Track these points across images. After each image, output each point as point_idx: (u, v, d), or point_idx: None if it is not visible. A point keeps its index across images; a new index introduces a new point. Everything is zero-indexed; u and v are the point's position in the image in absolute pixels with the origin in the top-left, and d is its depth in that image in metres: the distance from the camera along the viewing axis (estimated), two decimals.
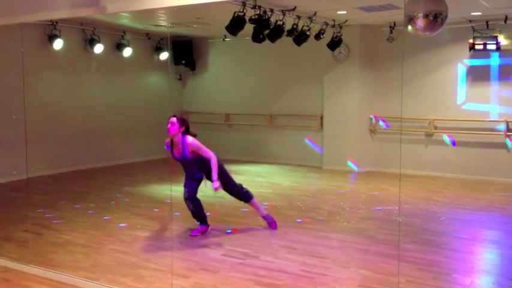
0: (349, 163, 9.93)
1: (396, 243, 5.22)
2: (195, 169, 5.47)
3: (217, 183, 5.15)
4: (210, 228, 5.63)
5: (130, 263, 4.70)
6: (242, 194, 5.72)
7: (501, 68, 8.90)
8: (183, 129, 5.34)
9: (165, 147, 5.56)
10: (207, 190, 5.51)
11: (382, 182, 8.85)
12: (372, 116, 10.01)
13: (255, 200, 5.81)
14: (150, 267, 4.57)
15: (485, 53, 8.85)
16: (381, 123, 9.91)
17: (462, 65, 9.21)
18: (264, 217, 5.82)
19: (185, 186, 5.54)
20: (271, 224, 5.78)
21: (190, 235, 5.51)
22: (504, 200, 7.51)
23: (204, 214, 5.64)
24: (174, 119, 5.32)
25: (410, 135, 9.77)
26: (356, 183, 8.83)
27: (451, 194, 7.92)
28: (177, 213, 6.17)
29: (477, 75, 9.13)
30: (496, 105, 8.99)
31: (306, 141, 10.24)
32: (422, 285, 4.19)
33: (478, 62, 9.08)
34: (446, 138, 9.30)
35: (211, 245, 5.25)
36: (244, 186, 5.79)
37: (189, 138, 5.34)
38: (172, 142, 5.42)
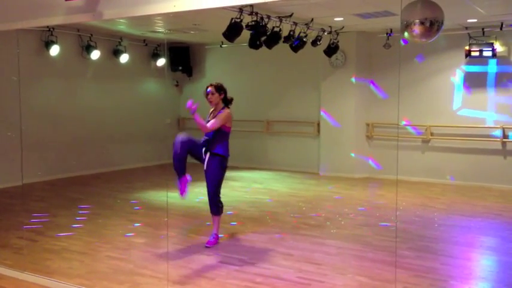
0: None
1: (393, 249, 5.21)
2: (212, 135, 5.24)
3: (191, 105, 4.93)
4: (190, 178, 5.16)
5: (126, 270, 4.67)
6: (217, 206, 5.34)
7: (497, 74, 8.94)
8: (222, 96, 5.27)
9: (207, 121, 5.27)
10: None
11: (379, 189, 8.85)
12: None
13: (220, 218, 5.47)
14: (146, 274, 4.55)
15: (481, 59, 8.89)
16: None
17: (460, 70, 9.25)
18: (215, 234, 5.42)
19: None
20: (210, 242, 5.36)
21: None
22: (501, 206, 7.51)
23: (185, 166, 5.15)
24: (212, 89, 5.22)
25: (407, 141, 9.78)
26: (353, 190, 8.81)
27: (447, 201, 7.92)
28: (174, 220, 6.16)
29: (473, 81, 9.16)
30: (492, 111, 9.01)
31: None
32: None
33: (474, 68, 9.12)
34: None
35: (208, 251, 5.22)
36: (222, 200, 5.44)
37: (227, 110, 5.24)
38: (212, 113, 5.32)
